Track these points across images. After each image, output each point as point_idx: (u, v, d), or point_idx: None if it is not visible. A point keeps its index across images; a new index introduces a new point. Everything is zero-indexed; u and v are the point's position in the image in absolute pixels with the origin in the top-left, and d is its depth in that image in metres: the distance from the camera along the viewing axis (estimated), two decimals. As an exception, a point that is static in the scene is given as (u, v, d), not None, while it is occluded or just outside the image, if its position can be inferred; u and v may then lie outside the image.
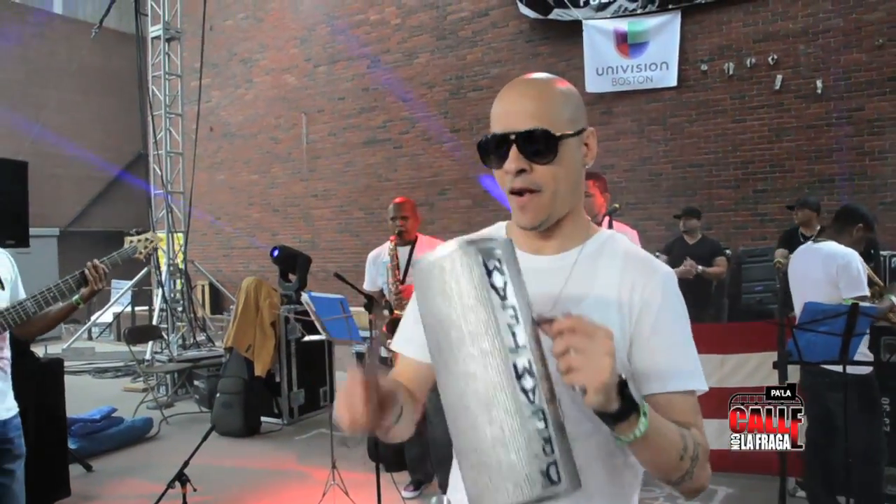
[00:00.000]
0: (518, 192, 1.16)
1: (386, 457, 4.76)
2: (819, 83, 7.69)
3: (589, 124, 1.23)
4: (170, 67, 9.50)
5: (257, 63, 12.69)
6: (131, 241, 3.44)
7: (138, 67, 9.20)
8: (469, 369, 0.88)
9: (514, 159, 1.13)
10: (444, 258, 0.92)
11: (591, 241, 1.24)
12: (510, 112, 1.15)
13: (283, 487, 4.84)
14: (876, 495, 3.49)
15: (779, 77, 7.90)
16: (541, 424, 0.87)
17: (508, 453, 0.85)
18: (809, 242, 3.71)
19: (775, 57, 7.91)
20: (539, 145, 1.12)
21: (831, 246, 3.46)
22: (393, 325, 3.98)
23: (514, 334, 0.89)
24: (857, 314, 2.82)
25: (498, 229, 1.33)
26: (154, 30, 9.55)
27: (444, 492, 4.51)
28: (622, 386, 0.94)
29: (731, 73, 8.17)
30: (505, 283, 0.91)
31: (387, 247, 4.47)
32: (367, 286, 4.47)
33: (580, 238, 1.23)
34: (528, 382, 0.88)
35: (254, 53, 12.72)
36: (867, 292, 3.37)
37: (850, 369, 3.02)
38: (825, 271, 3.37)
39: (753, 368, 4.24)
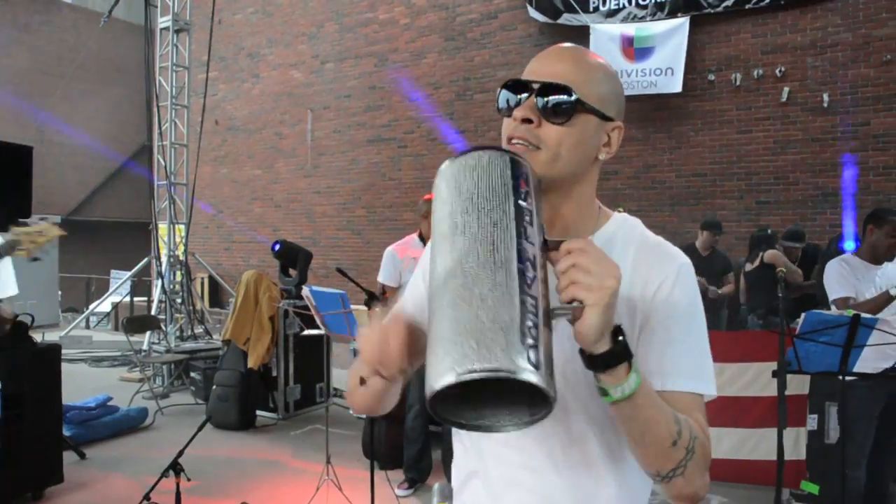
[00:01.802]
0: (515, 144, 1.07)
1: (380, 454, 4.76)
2: (826, 97, 7.69)
3: None
4: (177, 59, 9.51)
5: (265, 58, 12.70)
6: (16, 235, 2.87)
7: (146, 58, 9.21)
8: (473, 233, 0.85)
9: (525, 107, 1.07)
10: (481, 153, 0.91)
11: (602, 230, 1.16)
12: (541, 68, 1.10)
13: (277, 481, 4.83)
14: None
15: (786, 89, 7.90)
16: (531, 310, 0.80)
17: (492, 321, 0.78)
18: None
19: (783, 69, 7.91)
20: (558, 102, 1.05)
21: None
22: None
23: (525, 227, 0.86)
24: (857, 325, 2.82)
25: None
26: (163, 21, 9.56)
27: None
28: (617, 332, 0.89)
29: (738, 83, 8.17)
30: (527, 192, 0.90)
31: (411, 241, 4.47)
32: (383, 279, 4.48)
33: (589, 227, 1.15)
34: (529, 269, 0.83)
35: (261, 48, 12.73)
36: (834, 295, 3.54)
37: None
38: None
39: (752, 378, 4.24)
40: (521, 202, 0.87)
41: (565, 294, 0.85)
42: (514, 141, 1.07)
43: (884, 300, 3.38)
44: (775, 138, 8.01)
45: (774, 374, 2.97)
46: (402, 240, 4.66)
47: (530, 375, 0.75)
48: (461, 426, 0.87)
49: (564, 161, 1.07)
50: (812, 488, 3.73)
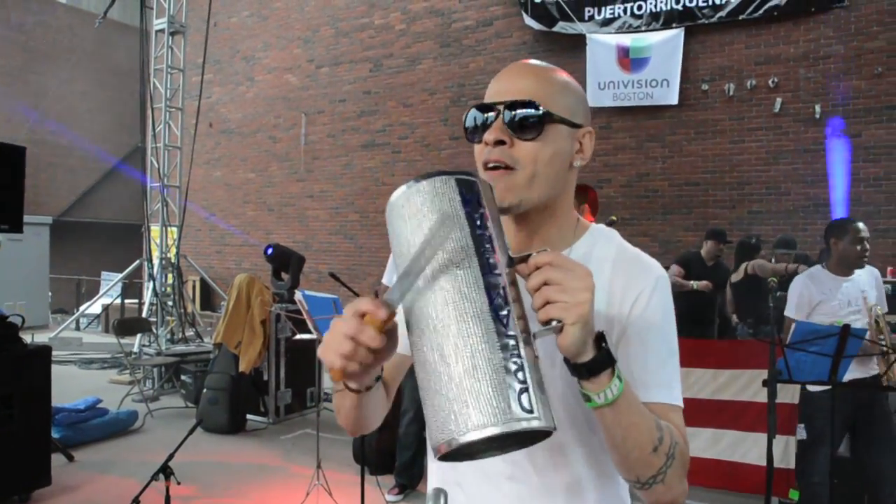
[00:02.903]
0: (491, 168, 1.06)
1: (371, 460, 4.75)
2: (818, 108, 7.75)
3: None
4: (172, 61, 9.50)
5: (260, 61, 12.70)
6: None
7: (141, 60, 9.19)
8: (437, 283, 0.82)
9: (494, 129, 1.06)
10: (422, 184, 0.87)
11: (579, 242, 1.16)
12: (504, 88, 1.09)
13: (267, 485, 4.81)
14: None
15: (778, 100, 7.95)
16: (513, 351, 0.80)
17: (475, 380, 0.78)
18: None
19: (776, 80, 7.97)
20: (527, 118, 1.05)
21: None
22: None
23: (488, 258, 0.84)
24: (847, 335, 2.84)
25: None
26: (158, 23, 9.55)
27: None
28: (599, 339, 0.89)
29: (731, 93, 8.22)
30: (482, 214, 0.87)
31: None
32: (387, 282, 4.46)
33: (567, 240, 1.15)
34: (502, 307, 0.82)
35: (257, 52, 12.73)
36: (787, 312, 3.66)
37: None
38: None
39: (745, 384, 4.27)
40: (478, 231, 0.85)
41: (542, 314, 0.85)
42: (489, 165, 1.07)
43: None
44: (767, 148, 8.06)
45: (765, 383, 2.99)
46: None
47: (528, 423, 0.77)
48: (470, 458, 0.88)
49: (542, 177, 1.06)
50: (798, 496, 3.77)
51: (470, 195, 0.87)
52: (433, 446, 0.81)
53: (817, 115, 7.74)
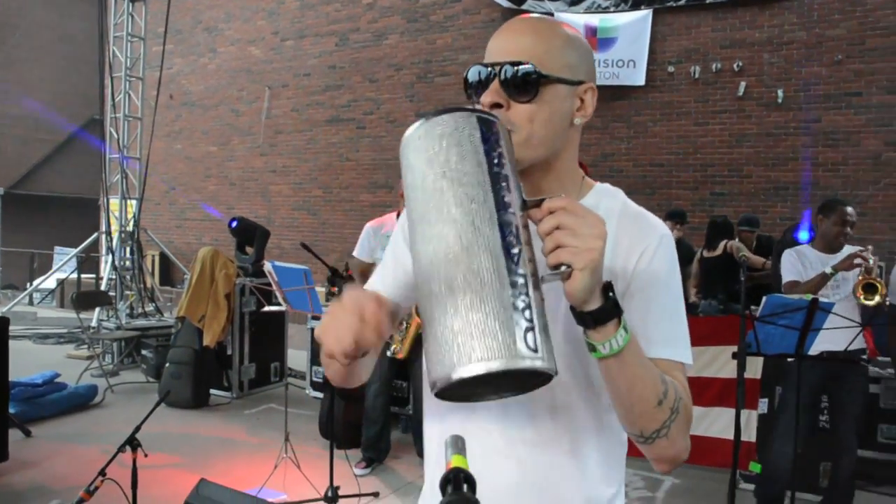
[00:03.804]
0: None
1: (338, 434, 4.74)
2: (780, 92, 7.89)
3: None
4: (132, 29, 9.21)
5: (222, 32, 12.42)
6: None
7: (100, 27, 8.88)
8: (451, 215, 0.81)
9: (491, 92, 1.04)
10: (444, 117, 0.86)
11: (585, 198, 1.15)
12: (501, 47, 1.07)
13: (234, 458, 4.77)
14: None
15: (742, 84, 8.08)
16: (522, 289, 0.79)
17: (483, 314, 0.77)
18: None
19: (740, 64, 8.08)
20: (522, 81, 1.03)
21: None
22: None
23: (503, 196, 0.83)
24: (815, 309, 2.91)
25: None
26: (118, -11, 9.24)
27: (423, 460, 4.56)
28: (607, 288, 0.89)
29: (696, 76, 8.32)
30: (500, 153, 0.86)
31: (390, 220, 4.43)
32: (359, 255, 4.43)
33: (571, 196, 1.09)
34: (514, 245, 0.81)
35: (219, 22, 12.45)
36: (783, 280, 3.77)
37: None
38: None
39: (709, 360, 4.35)
40: (495, 169, 0.84)
41: (552, 258, 0.84)
42: None
43: (820, 279, 3.58)
44: (731, 131, 8.19)
45: (734, 355, 3.05)
46: (381, 217, 4.61)
47: (532, 362, 0.76)
48: (465, 399, 0.87)
49: (539, 138, 1.05)
50: (759, 468, 3.88)
51: (489, 134, 0.86)
52: (430, 381, 0.80)
53: (780, 100, 7.88)
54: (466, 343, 0.76)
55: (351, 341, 0.88)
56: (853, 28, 7.62)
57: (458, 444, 0.80)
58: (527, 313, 0.78)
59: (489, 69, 1.05)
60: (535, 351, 0.77)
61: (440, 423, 1.20)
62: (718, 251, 6.22)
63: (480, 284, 0.78)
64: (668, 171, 8.56)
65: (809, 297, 2.97)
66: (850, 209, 3.77)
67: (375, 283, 1.27)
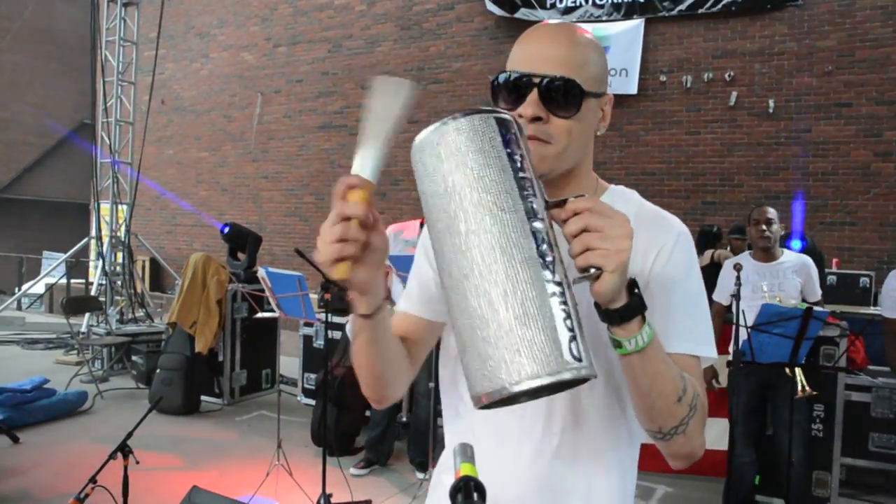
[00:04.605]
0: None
1: (330, 441, 4.72)
2: (771, 102, 7.95)
3: None
4: (125, 34, 9.18)
5: (215, 38, 12.41)
6: None
7: (91, 31, 8.84)
8: (483, 225, 0.80)
9: (532, 104, 1.03)
10: (461, 122, 0.83)
11: (601, 198, 1.16)
12: (537, 54, 1.06)
13: (225, 466, 4.74)
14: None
15: (734, 93, 8.13)
16: (560, 298, 0.78)
17: (527, 327, 0.76)
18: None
19: (732, 74, 8.14)
20: (565, 96, 1.03)
21: None
22: None
23: (531, 203, 0.82)
24: (810, 317, 2.92)
25: None
26: (110, -7, 9.22)
27: (416, 468, 4.56)
28: (632, 285, 0.89)
29: (688, 85, 8.37)
30: (522, 157, 0.85)
31: (414, 227, 4.42)
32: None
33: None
34: (547, 253, 0.80)
35: (212, 28, 12.43)
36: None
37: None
38: None
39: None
40: (520, 174, 0.83)
41: (581, 260, 0.84)
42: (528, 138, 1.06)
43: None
44: (722, 141, 8.24)
45: (729, 364, 3.06)
46: (403, 223, 4.60)
47: (578, 372, 0.76)
48: (505, 405, 0.84)
49: (573, 149, 1.07)
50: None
51: (509, 136, 0.85)
52: (474, 395, 0.79)
53: (771, 110, 7.94)
54: (514, 359, 0.76)
55: (337, 251, 0.89)
56: (843, 40, 7.69)
57: (466, 453, 0.80)
58: (568, 322, 0.78)
59: (528, 79, 1.04)
60: (580, 360, 0.77)
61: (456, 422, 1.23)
62: (707, 260, 6.26)
63: (521, 298, 0.77)
64: (660, 179, 8.60)
65: (804, 305, 2.99)
66: (760, 209, 3.80)
67: (402, 307, 1.27)
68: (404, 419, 5.21)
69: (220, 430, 5.61)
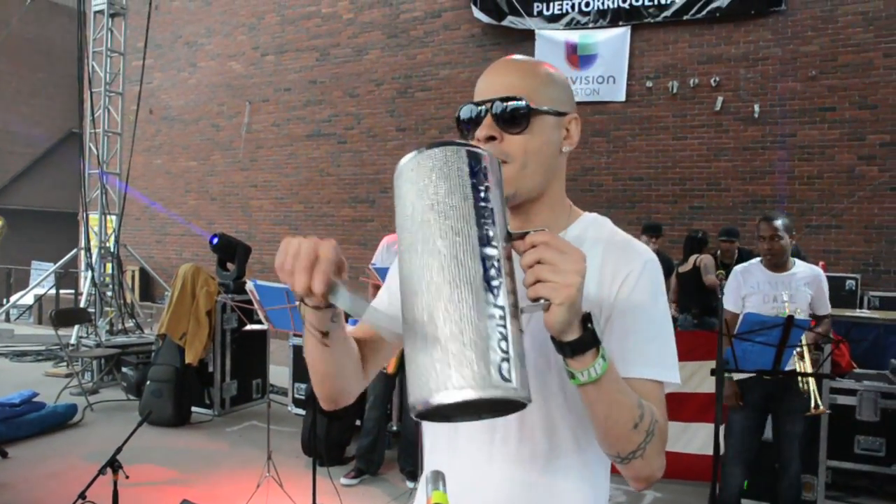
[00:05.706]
0: None
1: (321, 451, 4.73)
2: (757, 107, 8.02)
3: None
4: (112, 44, 9.18)
5: (203, 47, 12.41)
6: None
7: (78, 42, 8.83)
8: (436, 247, 0.85)
9: (485, 126, 1.11)
10: (434, 151, 0.89)
11: (573, 226, 1.21)
12: (490, 85, 1.15)
13: (216, 476, 4.73)
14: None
15: (720, 99, 8.20)
16: (500, 321, 0.82)
17: (461, 344, 0.80)
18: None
19: (717, 79, 8.21)
20: (512, 113, 1.11)
21: None
22: None
23: (487, 230, 0.86)
24: (791, 326, 2.96)
25: None
26: (97, 4, 9.21)
27: (406, 477, 4.57)
28: (586, 319, 0.92)
29: (674, 91, 8.43)
30: (486, 187, 0.89)
31: None
32: (379, 264, 4.47)
33: (560, 224, 1.20)
34: (494, 278, 0.84)
35: (200, 37, 12.43)
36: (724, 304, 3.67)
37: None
38: None
39: (687, 376, 4.39)
40: (481, 203, 0.87)
41: (531, 292, 0.88)
42: None
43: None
44: (709, 146, 8.31)
45: (713, 372, 3.09)
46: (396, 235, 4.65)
47: (505, 392, 0.79)
48: (446, 420, 0.90)
49: (532, 167, 1.12)
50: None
51: (478, 167, 0.90)
52: (411, 404, 0.83)
53: (756, 114, 8.01)
54: (444, 371, 0.79)
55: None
56: (826, 45, 7.78)
57: (437, 480, 0.83)
58: (503, 344, 0.81)
59: (481, 107, 1.13)
60: (509, 381, 0.80)
61: (433, 437, 1.26)
62: (689, 266, 6.31)
63: (459, 316, 0.81)
64: (648, 184, 8.65)
65: (786, 314, 3.02)
66: (766, 223, 3.72)
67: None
68: (395, 428, 5.23)
69: (211, 441, 5.61)
